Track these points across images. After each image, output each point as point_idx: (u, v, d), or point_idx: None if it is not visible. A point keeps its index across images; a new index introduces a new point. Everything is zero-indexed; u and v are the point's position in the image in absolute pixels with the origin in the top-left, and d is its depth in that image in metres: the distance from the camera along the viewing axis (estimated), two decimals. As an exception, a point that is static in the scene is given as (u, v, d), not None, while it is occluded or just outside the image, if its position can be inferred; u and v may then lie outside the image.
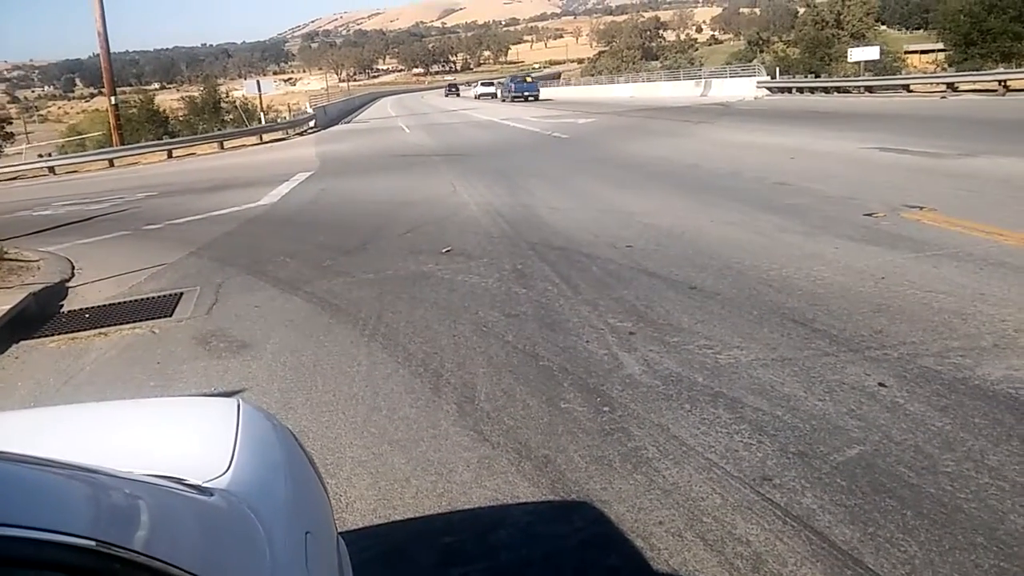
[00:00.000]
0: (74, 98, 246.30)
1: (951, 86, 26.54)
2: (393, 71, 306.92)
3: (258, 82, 37.05)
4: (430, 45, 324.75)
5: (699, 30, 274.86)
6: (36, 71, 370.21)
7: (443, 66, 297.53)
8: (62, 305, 6.94)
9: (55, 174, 25.64)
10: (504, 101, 54.99)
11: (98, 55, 29.50)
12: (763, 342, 4.47)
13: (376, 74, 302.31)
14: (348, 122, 43.50)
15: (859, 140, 14.00)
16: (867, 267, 5.80)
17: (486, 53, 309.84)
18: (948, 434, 3.23)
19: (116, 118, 28.98)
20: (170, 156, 27.45)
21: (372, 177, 15.15)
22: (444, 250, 7.61)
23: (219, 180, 17.21)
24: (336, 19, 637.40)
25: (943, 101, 23.71)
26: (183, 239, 9.64)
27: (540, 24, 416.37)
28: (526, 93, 53.60)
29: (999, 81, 24.38)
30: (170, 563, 1.09)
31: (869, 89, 29.72)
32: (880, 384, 3.77)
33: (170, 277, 7.59)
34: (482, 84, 73.75)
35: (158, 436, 1.87)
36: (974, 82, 26.09)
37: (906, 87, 28.91)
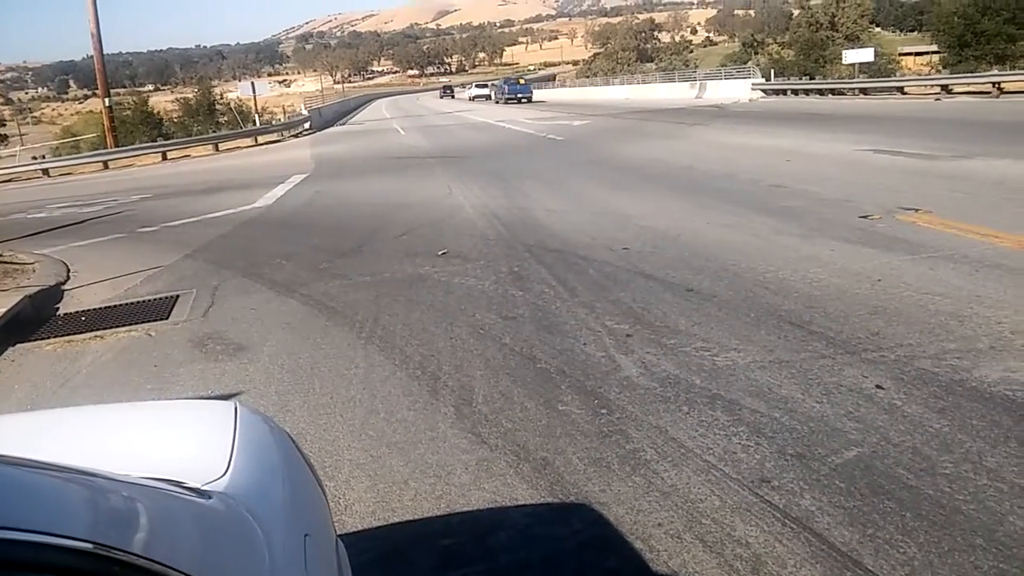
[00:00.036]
0: (68, 100, 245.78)
1: (945, 88, 26.63)
2: (388, 73, 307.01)
3: (252, 84, 36.96)
4: (425, 47, 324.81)
5: (694, 32, 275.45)
6: (29, 73, 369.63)
7: (438, 68, 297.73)
8: (58, 308, 6.92)
9: (49, 176, 25.55)
10: (497, 103, 55.51)
11: (92, 56, 29.47)
12: (760, 344, 4.47)
13: (371, 76, 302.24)
14: (343, 124, 43.49)
15: (854, 142, 14.03)
16: (863, 269, 5.81)
17: (481, 55, 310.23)
18: (946, 436, 3.23)
19: (110, 120, 28.93)
20: (165, 158, 27.41)
21: (368, 179, 15.14)
22: (440, 252, 7.60)
23: (214, 182, 17.18)
24: (330, 20, 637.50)
25: (937, 103, 23.79)
26: (178, 241, 9.62)
27: (535, 26, 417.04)
28: (519, 95, 54.16)
29: (993, 83, 24.48)
30: (168, 566, 1.08)
31: (864, 91, 29.81)
32: (877, 386, 3.77)
33: (166, 280, 7.57)
34: (476, 86, 74.40)
35: (155, 439, 1.86)
36: (968, 84, 26.18)
37: (900, 89, 29.00)
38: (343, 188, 13.98)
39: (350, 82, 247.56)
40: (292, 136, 33.88)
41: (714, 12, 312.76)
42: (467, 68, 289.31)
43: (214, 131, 35.41)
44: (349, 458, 3.52)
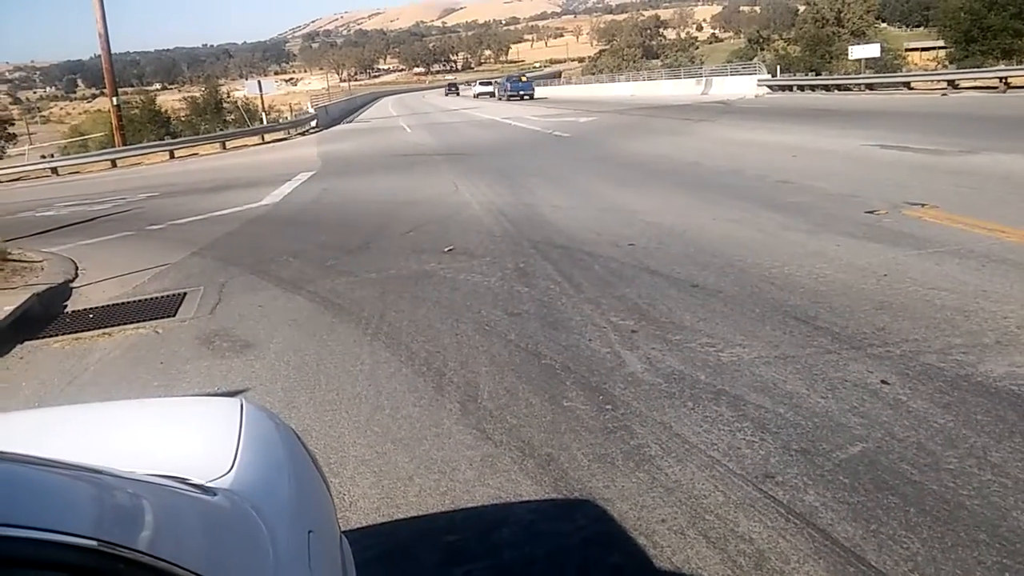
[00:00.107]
0: (76, 99, 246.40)
1: (952, 83, 26.50)
2: (394, 71, 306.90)
3: (259, 82, 37.03)
4: (431, 45, 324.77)
5: (699, 28, 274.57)
6: (38, 72, 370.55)
7: (444, 65, 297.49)
8: (66, 305, 6.95)
9: (58, 175, 25.66)
10: (500, 100, 55.95)
11: (99, 56, 29.55)
12: (765, 340, 4.47)
13: (377, 74, 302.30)
14: (350, 122, 43.50)
15: (860, 137, 13.98)
16: (869, 264, 5.80)
17: (487, 52, 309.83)
18: (950, 431, 3.23)
19: (118, 119, 29.02)
20: (172, 156, 27.48)
21: (374, 176, 15.16)
22: (446, 249, 7.61)
23: (221, 180, 17.22)
24: (337, 19, 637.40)
25: (944, 98, 23.68)
26: (186, 239, 9.65)
27: (541, 23, 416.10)
28: (521, 92, 54.90)
29: (1000, 78, 24.34)
30: (174, 563, 1.09)
31: (870, 87, 29.69)
32: (883, 381, 3.76)
33: (173, 277, 7.60)
34: (480, 83, 75.02)
35: (162, 436, 1.87)
36: (975, 79, 26.04)
37: (907, 84, 28.88)
38: (350, 185, 14.00)
39: (356, 80, 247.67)
40: (299, 134, 33.92)
41: (719, 8, 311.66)
42: (473, 66, 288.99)
43: (221, 129, 35.44)
44: (354, 454, 3.54)
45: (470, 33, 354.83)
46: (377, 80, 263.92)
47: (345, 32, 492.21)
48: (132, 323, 6.08)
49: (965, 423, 3.28)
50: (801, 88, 33.69)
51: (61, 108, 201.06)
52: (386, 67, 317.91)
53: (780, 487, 2.93)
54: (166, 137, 33.04)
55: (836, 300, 5.05)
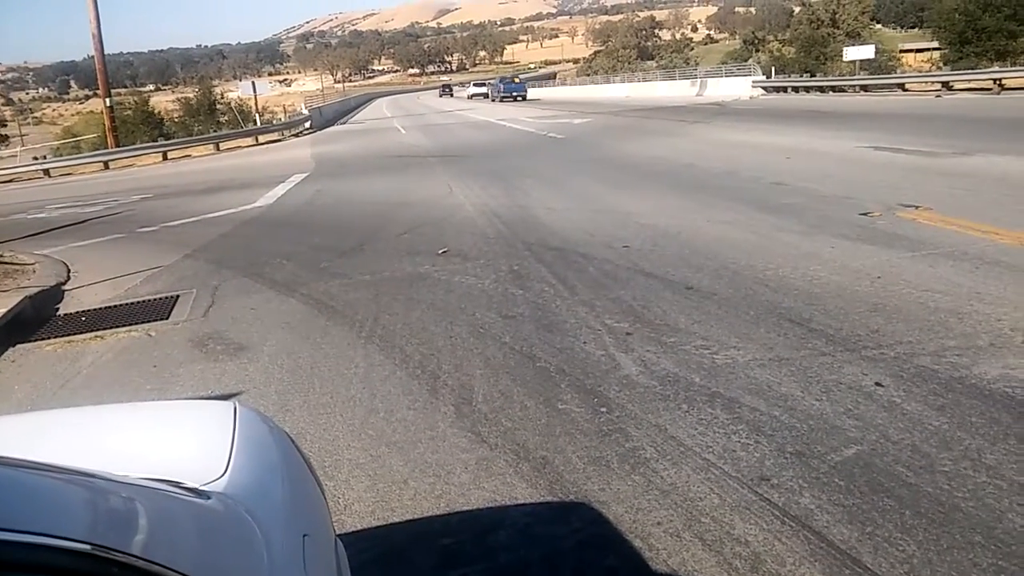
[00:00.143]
0: (68, 100, 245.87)
1: (946, 85, 26.60)
2: (388, 72, 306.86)
3: (253, 83, 36.96)
4: (425, 45, 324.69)
5: (694, 29, 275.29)
6: (30, 73, 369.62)
7: (439, 66, 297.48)
8: (58, 308, 6.93)
9: (50, 176, 25.55)
10: (494, 101, 56.52)
11: (92, 57, 29.47)
12: (760, 342, 4.47)
13: (371, 75, 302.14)
14: (344, 123, 43.48)
15: (855, 139, 14.03)
16: (863, 266, 5.81)
17: (482, 53, 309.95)
18: (945, 433, 3.23)
19: (111, 120, 28.94)
20: (165, 158, 27.42)
21: (368, 178, 15.14)
22: (441, 251, 7.61)
23: (215, 182, 17.18)
24: (331, 20, 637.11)
25: (938, 100, 23.77)
26: (179, 241, 9.63)
27: (536, 24, 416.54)
28: (514, 93, 55.74)
29: (994, 80, 24.45)
30: (167, 566, 1.08)
31: (864, 88, 29.79)
32: (877, 384, 3.77)
33: (166, 280, 7.58)
34: (474, 85, 75.63)
35: (155, 439, 1.86)
36: (969, 81, 26.15)
37: (901, 86, 28.98)
38: (344, 187, 13.98)
39: (351, 81, 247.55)
40: (293, 135, 33.89)
41: (715, 9, 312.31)
42: (468, 67, 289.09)
43: (215, 131, 35.42)
44: (349, 457, 3.53)
45: (465, 34, 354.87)
46: (372, 81, 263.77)
47: (339, 33, 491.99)
48: (125, 326, 6.06)
49: (960, 425, 3.29)
50: (796, 90, 33.78)
51: (54, 109, 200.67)
52: (381, 68, 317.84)
53: (776, 490, 2.93)
54: (159, 138, 32.99)
55: (830, 302, 5.06)
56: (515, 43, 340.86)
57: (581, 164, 14.38)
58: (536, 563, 2.69)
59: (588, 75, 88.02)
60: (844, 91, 30.72)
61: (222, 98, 44.05)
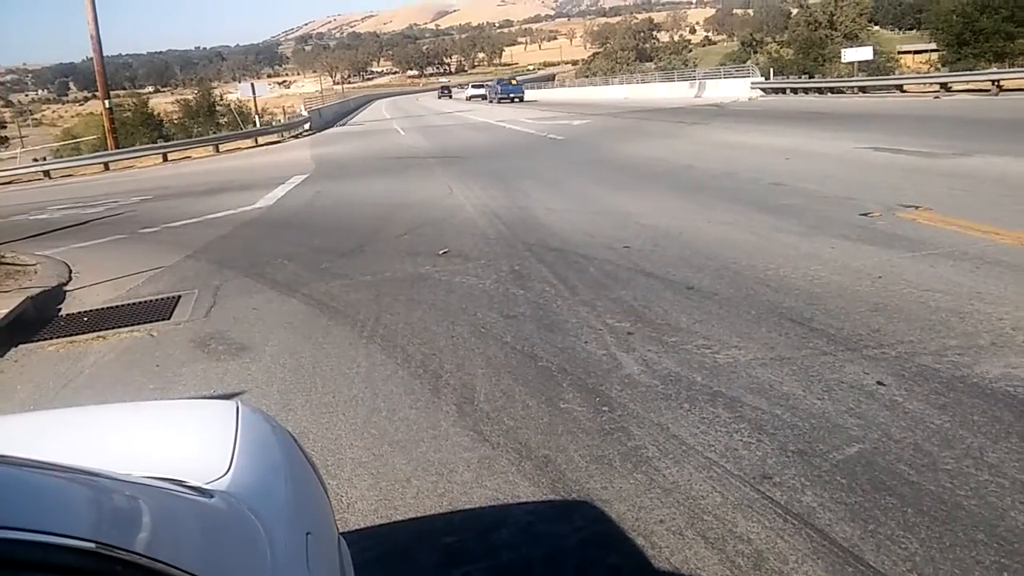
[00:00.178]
0: (68, 102, 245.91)
1: (944, 86, 26.63)
2: (387, 73, 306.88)
3: (252, 85, 37.01)
4: (424, 47, 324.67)
5: (693, 31, 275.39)
6: (29, 75, 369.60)
7: (437, 68, 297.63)
8: (60, 309, 6.93)
9: (50, 178, 25.58)
10: (491, 102, 57.15)
11: (91, 58, 29.52)
12: (761, 341, 4.47)
13: (370, 76, 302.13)
14: (343, 124, 43.50)
15: (853, 140, 14.03)
16: (864, 266, 5.81)
17: (480, 55, 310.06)
18: (947, 432, 3.23)
19: (110, 121, 28.95)
20: (165, 159, 27.44)
21: (368, 179, 15.15)
22: (441, 252, 7.61)
23: (215, 183, 17.19)
24: (330, 21, 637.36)
25: (937, 101, 23.79)
26: (180, 242, 9.63)
27: (534, 26, 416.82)
28: (511, 95, 56.64)
29: (992, 81, 24.49)
30: (171, 564, 1.08)
31: (863, 89, 29.81)
32: (879, 383, 3.77)
33: (167, 280, 7.58)
34: (472, 86, 76.25)
35: (158, 439, 1.86)
36: (967, 82, 26.18)
37: (900, 87, 29.00)
38: (344, 188, 13.99)
39: (350, 83, 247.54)
40: (292, 137, 33.89)
41: (713, 11, 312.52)
42: (466, 68, 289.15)
43: (214, 132, 35.46)
44: (351, 456, 3.52)
45: (463, 36, 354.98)
46: (370, 83, 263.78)
47: (338, 34, 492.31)
48: (127, 326, 6.06)
49: (962, 424, 3.29)
50: (794, 91, 33.82)
51: (53, 111, 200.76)
52: (379, 70, 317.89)
53: (778, 488, 2.93)
54: (159, 140, 33.03)
55: (831, 302, 5.06)
56: (514, 45, 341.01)
57: (581, 165, 14.39)
58: (539, 561, 2.69)
59: (587, 77, 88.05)
60: (842, 92, 30.75)
61: (221, 100, 44.08)
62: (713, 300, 5.34)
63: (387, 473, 3.34)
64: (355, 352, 4.96)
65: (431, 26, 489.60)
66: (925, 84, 28.58)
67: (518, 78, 78.70)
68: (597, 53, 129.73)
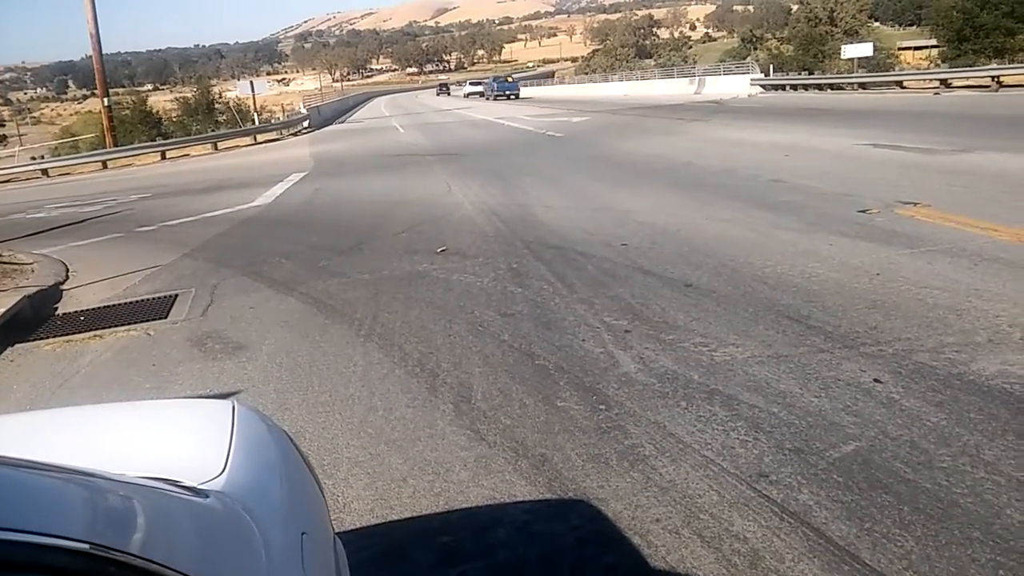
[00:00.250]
0: (67, 100, 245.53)
1: (944, 82, 26.61)
2: (387, 71, 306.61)
3: (251, 82, 36.93)
4: (424, 44, 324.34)
5: (693, 28, 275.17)
6: (28, 73, 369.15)
7: (437, 65, 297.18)
8: (57, 308, 6.92)
9: (48, 176, 25.54)
10: (489, 99, 57.59)
11: (90, 57, 29.48)
12: (758, 339, 4.47)
13: (370, 74, 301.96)
14: (342, 122, 43.47)
15: (853, 136, 14.03)
16: (862, 263, 5.82)
17: (480, 52, 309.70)
18: (944, 430, 3.23)
19: (109, 119, 28.91)
20: (164, 157, 27.40)
21: (367, 177, 15.14)
22: (439, 250, 7.60)
23: (213, 181, 17.18)
24: (329, 19, 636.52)
25: (936, 97, 23.79)
26: (177, 241, 9.62)
27: (534, 23, 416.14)
28: (507, 92, 57.21)
29: (992, 77, 24.45)
30: (165, 565, 1.08)
31: (862, 86, 29.79)
32: (875, 380, 3.77)
33: (165, 279, 7.57)
34: (470, 84, 76.84)
35: (153, 438, 1.86)
36: (967, 78, 26.16)
37: (899, 83, 29.00)
38: (342, 186, 13.98)
39: (349, 80, 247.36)
40: (291, 134, 33.88)
41: (713, 8, 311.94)
42: (466, 66, 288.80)
43: (213, 130, 35.39)
44: (348, 456, 3.53)
45: (463, 33, 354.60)
46: (370, 80, 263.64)
47: (338, 32, 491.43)
48: (123, 325, 6.06)
49: (958, 421, 3.29)
50: (794, 87, 33.79)
51: (52, 109, 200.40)
52: (379, 67, 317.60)
53: (774, 486, 2.93)
54: (157, 138, 32.97)
55: (829, 299, 5.06)
56: (513, 42, 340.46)
57: (579, 162, 14.38)
58: (535, 560, 2.69)
59: (586, 73, 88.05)
60: (842, 89, 30.74)
61: (220, 97, 43.95)
62: (711, 297, 5.34)
63: (383, 472, 3.34)
64: (352, 351, 4.97)
65: (431, 23, 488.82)
66: (925, 80, 28.56)
67: (515, 75, 78.92)
68: (597, 50, 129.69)
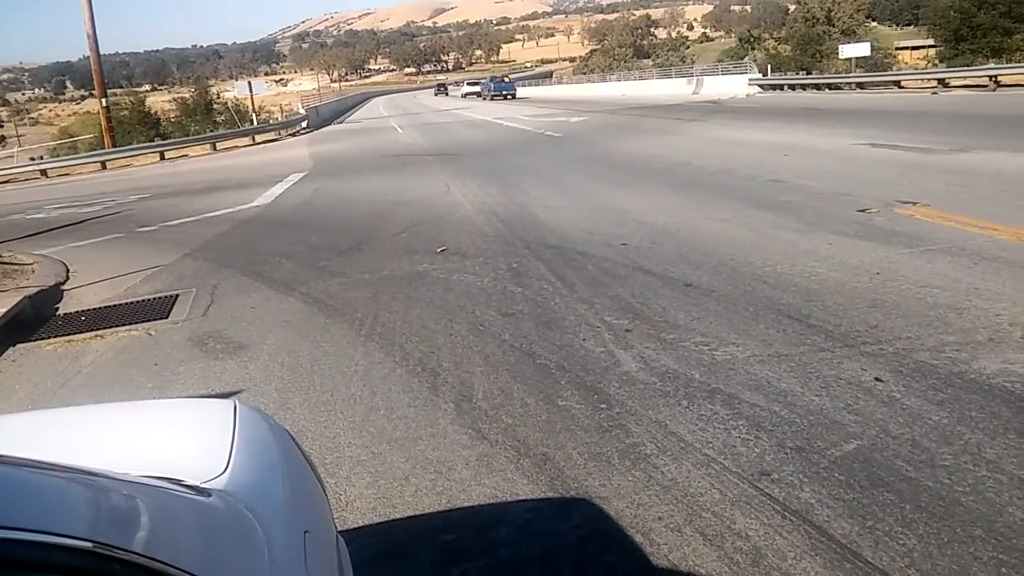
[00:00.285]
0: (65, 100, 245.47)
1: (942, 82, 26.61)
2: (385, 71, 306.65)
3: (249, 83, 36.93)
4: (421, 44, 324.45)
5: (690, 28, 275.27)
6: (26, 74, 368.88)
7: (435, 65, 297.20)
8: (57, 308, 6.92)
9: (47, 177, 25.53)
10: (485, 99, 58.28)
11: (88, 57, 29.46)
12: (759, 338, 4.47)
13: (368, 74, 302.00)
14: (341, 122, 43.46)
15: (851, 136, 14.03)
16: (862, 263, 5.82)
17: (478, 52, 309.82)
18: (945, 428, 3.23)
19: (107, 120, 28.90)
20: (162, 158, 27.40)
21: (366, 177, 15.13)
22: (439, 249, 7.60)
23: (212, 181, 17.17)
24: (327, 19, 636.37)
25: (934, 97, 23.79)
26: (177, 241, 9.62)
27: (531, 23, 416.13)
28: (504, 92, 58.11)
29: (990, 76, 24.46)
30: (169, 563, 1.08)
31: (860, 85, 29.80)
32: (876, 379, 3.77)
33: (165, 279, 7.57)
34: (468, 84, 77.61)
35: (155, 438, 1.86)
36: (965, 78, 26.16)
37: (897, 83, 29.01)
38: (341, 186, 13.98)
39: (347, 81, 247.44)
40: (289, 135, 33.87)
41: (710, 8, 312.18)
42: (464, 66, 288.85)
43: (211, 131, 35.40)
44: (350, 455, 3.52)
45: (461, 33, 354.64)
46: (368, 80, 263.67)
47: (335, 32, 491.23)
48: (124, 325, 6.05)
49: (959, 420, 3.29)
50: (792, 87, 33.80)
51: (50, 110, 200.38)
52: (377, 67, 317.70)
53: (776, 484, 2.93)
54: (156, 138, 32.97)
55: (829, 298, 5.06)
56: (511, 42, 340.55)
57: (578, 162, 14.38)
58: (537, 559, 2.69)
59: (584, 74, 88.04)
60: (840, 88, 30.75)
61: (218, 98, 43.94)
62: (711, 297, 5.34)
63: (385, 471, 3.34)
64: (353, 350, 4.96)
65: (428, 23, 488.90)
66: (923, 80, 28.57)
67: (512, 76, 79.27)
68: (595, 50, 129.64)
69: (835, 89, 30.94)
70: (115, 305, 6.74)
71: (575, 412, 3.74)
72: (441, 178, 13.51)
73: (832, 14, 52.69)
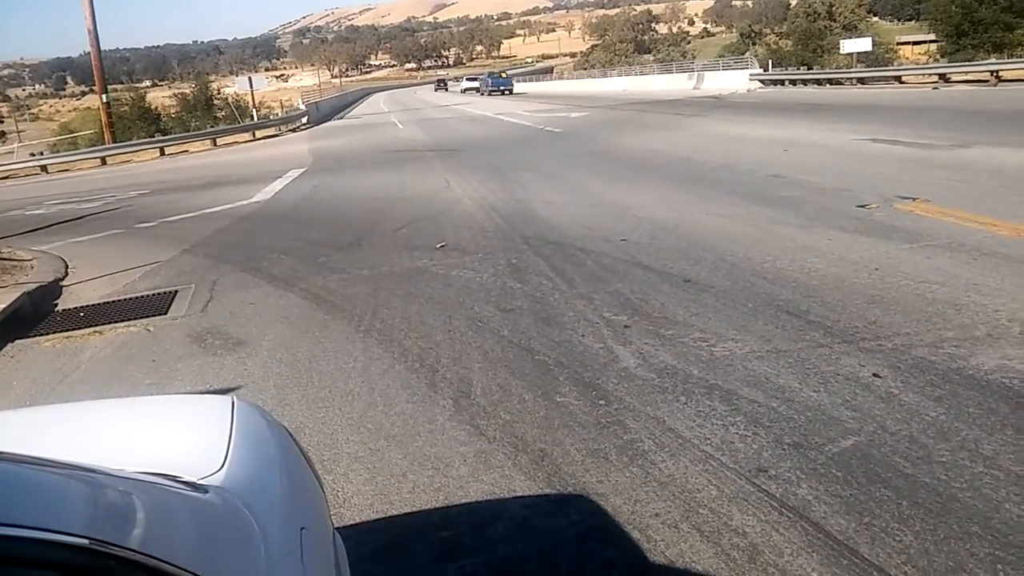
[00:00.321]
0: (65, 96, 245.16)
1: (943, 77, 26.57)
2: (385, 66, 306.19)
3: (250, 79, 36.91)
4: (422, 40, 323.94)
5: (691, 23, 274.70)
6: (27, 69, 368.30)
7: (436, 61, 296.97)
8: (56, 304, 6.92)
9: (47, 173, 25.55)
10: (483, 95, 58.77)
11: (89, 53, 29.42)
12: (758, 334, 4.47)
13: (368, 70, 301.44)
14: (341, 118, 43.41)
15: (852, 131, 14.01)
16: (861, 258, 5.81)
17: (478, 48, 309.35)
18: (943, 424, 3.24)
19: (108, 116, 28.87)
20: (163, 154, 27.38)
21: (366, 173, 15.13)
22: (439, 245, 7.60)
23: (212, 177, 17.17)
24: (327, 15, 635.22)
25: (935, 92, 23.74)
26: (177, 237, 9.62)
27: (532, 18, 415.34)
28: (501, 87, 58.82)
29: (991, 72, 24.41)
30: (165, 560, 1.09)
31: (861, 80, 29.76)
32: (875, 375, 3.77)
33: (164, 275, 7.57)
34: (467, 80, 78.27)
35: (153, 434, 1.86)
36: (966, 73, 26.11)
37: (898, 78, 28.92)
38: (341, 182, 13.97)
39: (348, 76, 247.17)
40: (290, 131, 33.84)
41: (711, 3, 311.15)
42: (465, 61, 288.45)
43: (212, 126, 35.37)
44: (347, 451, 3.53)
45: (462, 28, 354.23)
46: (368, 76, 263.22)
47: (336, 28, 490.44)
48: (123, 321, 6.06)
49: (957, 416, 3.29)
50: (793, 82, 33.75)
51: (50, 105, 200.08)
52: (377, 63, 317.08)
53: (773, 481, 2.94)
54: (156, 134, 32.96)
55: (828, 294, 5.06)
56: (512, 37, 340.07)
57: (578, 158, 14.37)
58: (534, 555, 2.69)
59: (585, 69, 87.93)
60: (841, 84, 30.70)
61: (219, 94, 43.89)
62: (710, 293, 5.34)
63: (383, 468, 3.34)
64: (352, 347, 4.97)
65: (429, 19, 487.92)
66: (924, 75, 28.49)
67: (511, 71, 79.62)
68: (595, 45, 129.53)
69: (836, 84, 30.89)
70: (114, 301, 6.75)
71: (573, 408, 3.75)
72: (441, 174, 13.50)
73: (834, 9, 52.59)
